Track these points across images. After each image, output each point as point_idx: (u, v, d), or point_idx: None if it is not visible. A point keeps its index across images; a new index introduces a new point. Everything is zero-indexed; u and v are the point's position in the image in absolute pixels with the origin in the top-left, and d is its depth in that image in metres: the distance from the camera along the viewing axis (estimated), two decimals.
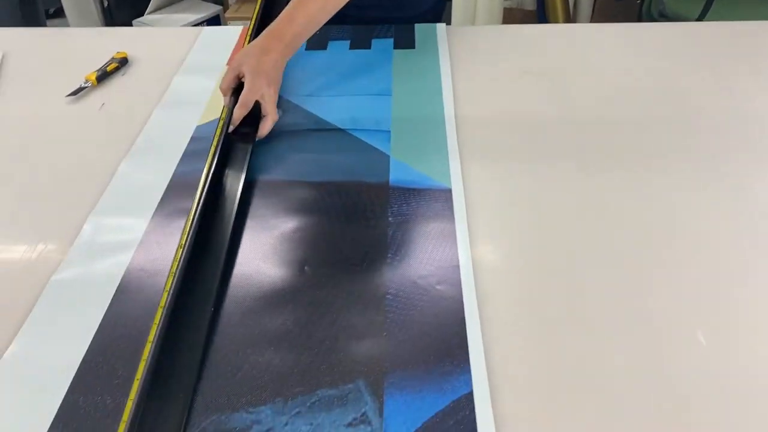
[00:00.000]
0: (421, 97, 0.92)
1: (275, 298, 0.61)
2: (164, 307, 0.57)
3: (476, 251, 0.65)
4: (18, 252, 0.66)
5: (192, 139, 0.84)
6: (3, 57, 0.99)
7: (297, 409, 0.51)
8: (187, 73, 0.98)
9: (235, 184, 0.74)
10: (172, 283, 0.59)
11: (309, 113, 0.90)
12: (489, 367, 0.54)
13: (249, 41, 0.93)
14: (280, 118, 0.86)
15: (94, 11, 2.12)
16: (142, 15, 2.36)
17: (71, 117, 0.88)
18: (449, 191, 0.73)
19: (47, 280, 0.62)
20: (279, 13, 0.87)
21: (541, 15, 2.07)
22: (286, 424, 0.50)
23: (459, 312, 0.59)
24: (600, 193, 0.72)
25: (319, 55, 1.04)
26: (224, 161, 0.77)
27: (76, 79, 0.94)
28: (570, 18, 2.02)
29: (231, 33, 1.11)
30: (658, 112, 0.85)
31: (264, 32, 0.86)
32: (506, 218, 0.70)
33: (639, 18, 1.80)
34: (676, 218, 0.68)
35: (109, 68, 0.95)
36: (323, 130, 0.86)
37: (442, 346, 0.56)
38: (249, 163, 0.77)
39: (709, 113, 0.85)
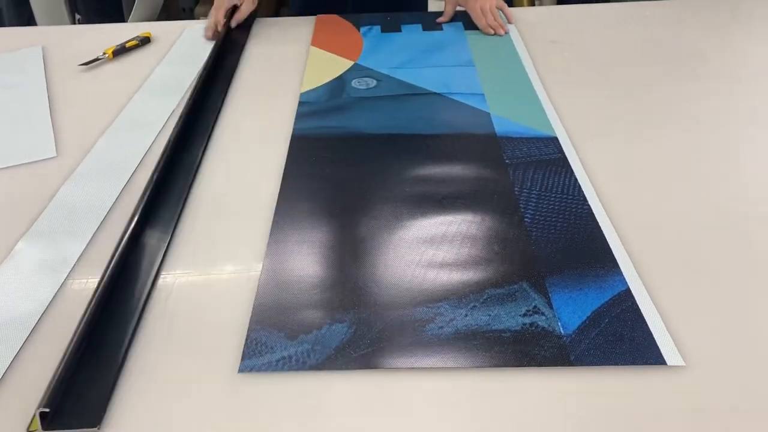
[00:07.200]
0: (503, 66, 0.98)
1: (427, 228, 0.66)
2: None
3: (592, 178, 0.72)
4: None
5: (300, 103, 0.89)
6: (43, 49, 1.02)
7: (472, 304, 0.55)
8: (169, 65, 0.99)
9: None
10: None
11: (401, 81, 0.95)
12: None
13: None
14: (375, 86, 0.93)
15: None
16: None
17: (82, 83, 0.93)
18: (555, 138, 0.79)
19: None
20: None
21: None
22: (466, 316, 0.54)
23: (594, 227, 0.64)
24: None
25: (396, 36, 1.11)
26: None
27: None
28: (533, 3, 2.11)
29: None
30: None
31: None
32: (607, 153, 0.77)
33: None
34: None
35: (128, 44, 0.97)
36: (419, 94, 0.92)
37: (589, 255, 0.61)
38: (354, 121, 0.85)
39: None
